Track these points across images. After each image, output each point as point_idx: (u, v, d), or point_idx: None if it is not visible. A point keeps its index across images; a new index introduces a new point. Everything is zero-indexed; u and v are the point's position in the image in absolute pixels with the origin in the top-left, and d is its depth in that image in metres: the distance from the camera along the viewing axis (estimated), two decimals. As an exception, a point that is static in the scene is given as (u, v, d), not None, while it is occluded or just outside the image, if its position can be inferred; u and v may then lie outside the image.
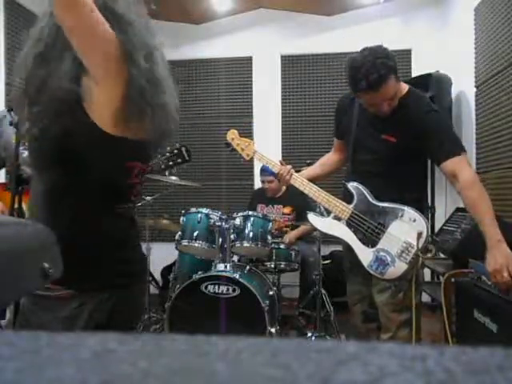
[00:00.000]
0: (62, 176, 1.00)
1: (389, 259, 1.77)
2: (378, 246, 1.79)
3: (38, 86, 0.95)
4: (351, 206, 1.87)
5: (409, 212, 1.77)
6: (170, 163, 1.98)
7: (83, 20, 0.89)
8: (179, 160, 1.99)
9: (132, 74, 0.96)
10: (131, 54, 0.96)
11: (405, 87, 1.84)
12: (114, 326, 1.00)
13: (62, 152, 0.96)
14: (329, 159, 2.19)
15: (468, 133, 3.36)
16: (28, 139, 1.01)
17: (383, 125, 1.83)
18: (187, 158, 2.00)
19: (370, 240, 1.82)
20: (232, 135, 2.15)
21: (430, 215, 3.21)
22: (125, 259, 1.08)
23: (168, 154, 1.99)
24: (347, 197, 1.91)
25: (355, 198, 1.87)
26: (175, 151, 1.99)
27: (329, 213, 1.96)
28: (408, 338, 1.82)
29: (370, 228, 1.82)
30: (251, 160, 2.14)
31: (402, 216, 1.78)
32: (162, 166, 1.98)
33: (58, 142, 0.95)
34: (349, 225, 1.87)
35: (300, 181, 1.96)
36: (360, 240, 1.84)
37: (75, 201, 1.01)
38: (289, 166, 1.99)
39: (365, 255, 1.82)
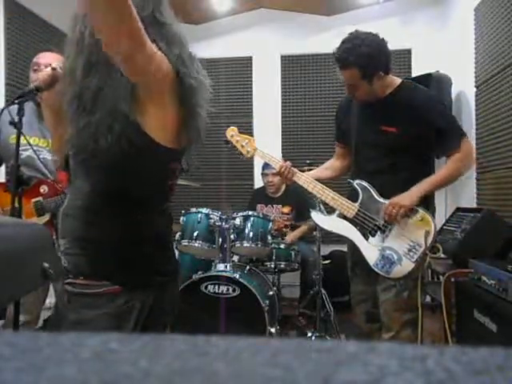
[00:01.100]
0: (111, 181, 1.01)
1: (395, 258, 1.76)
2: (385, 245, 1.79)
3: (94, 95, 0.94)
4: (357, 204, 1.86)
5: (416, 210, 1.77)
6: None
7: (140, 48, 0.87)
8: None
9: (193, 88, 0.98)
10: (187, 70, 0.98)
11: (397, 81, 1.87)
12: (149, 325, 1.02)
13: (115, 163, 0.97)
14: (332, 165, 2.19)
15: (468, 133, 3.35)
16: (78, 151, 1.00)
17: (381, 116, 1.84)
18: (185, 167, 1.97)
19: (376, 238, 1.81)
20: (231, 132, 2.12)
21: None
22: (166, 257, 1.11)
23: None
24: (353, 195, 1.90)
25: (361, 195, 1.86)
26: None
27: (329, 211, 1.96)
28: (410, 338, 1.82)
29: (376, 226, 1.82)
30: (252, 157, 2.12)
31: (409, 214, 1.78)
32: None
33: (112, 157, 0.95)
34: (354, 223, 1.85)
35: (304, 178, 1.95)
36: (365, 238, 1.82)
37: (124, 202, 1.02)
38: (288, 162, 1.97)
39: (370, 254, 1.81)
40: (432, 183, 1.79)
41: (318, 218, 1.98)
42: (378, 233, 1.81)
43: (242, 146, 2.08)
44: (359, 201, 1.86)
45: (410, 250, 1.74)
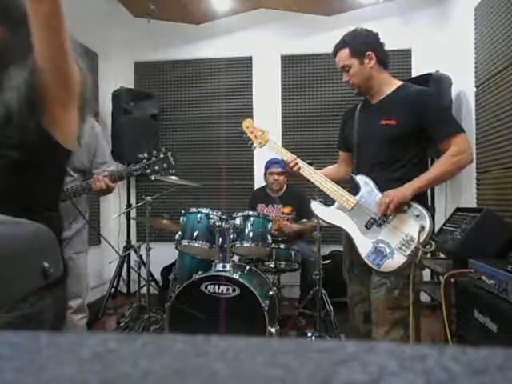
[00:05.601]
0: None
1: (387, 251, 1.78)
2: (379, 238, 1.81)
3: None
4: (356, 198, 1.90)
5: (413, 206, 1.79)
6: (156, 168, 1.94)
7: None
8: (165, 165, 1.94)
9: (87, 96, 1.07)
10: (86, 80, 1.04)
11: (398, 83, 1.95)
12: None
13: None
14: (333, 168, 2.23)
15: (468, 133, 3.34)
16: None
17: (382, 112, 1.90)
18: (173, 164, 1.96)
19: (371, 231, 1.83)
20: (247, 123, 2.25)
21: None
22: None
23: (154, 158, 1.94)
24: (354, 190, 1.94)
25: (361, 189, 1.90)
26: (161, 156, 1.94)
27: (329, 204, 1.99)
28: (402, 337, 1.81)
29: (372, 219, 1.84)
30: (262, 148, 2.20)
31: (406, 210, 1.79)
32: (148, 171, 1.93)
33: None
34: (351, 215, 1.89)
35: (308, 170, 2.01)
36: (360, 230, 1.86)
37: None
38: (296, 158, 2.05)
39: (363, 245, 1.83)
40: (427, 179, 1.81)
41: (316, 208, 2.02)
42: (374, 226, 1.84)
43: (256, 137, 2.20)
44: (359, 194, 1.90)
45: (403, 245, 1.76)
